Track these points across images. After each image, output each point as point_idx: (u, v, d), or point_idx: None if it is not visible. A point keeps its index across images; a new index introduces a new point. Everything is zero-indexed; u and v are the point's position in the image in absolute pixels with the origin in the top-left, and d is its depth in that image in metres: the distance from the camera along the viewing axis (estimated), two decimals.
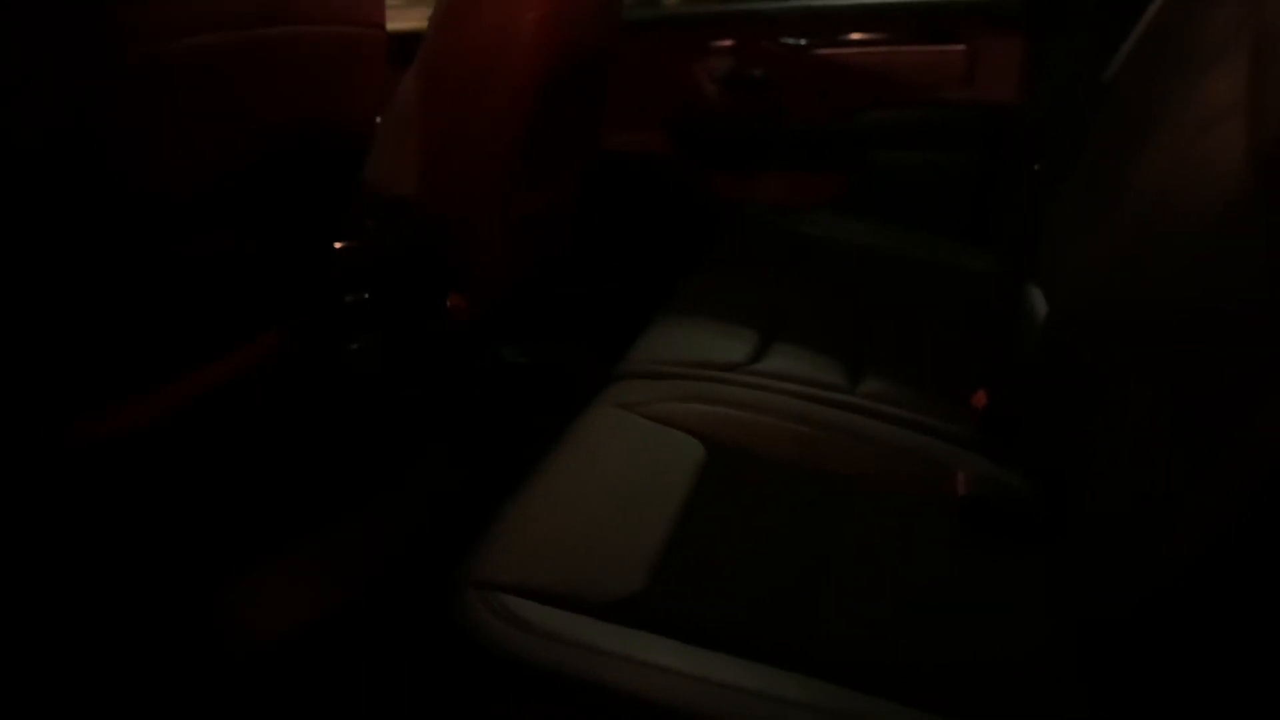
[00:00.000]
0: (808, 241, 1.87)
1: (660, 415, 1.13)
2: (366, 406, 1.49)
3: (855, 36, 2.06)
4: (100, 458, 0.96)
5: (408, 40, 1.64)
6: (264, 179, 0.99)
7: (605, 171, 2.12)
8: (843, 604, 0.91)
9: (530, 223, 1.78)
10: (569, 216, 2.00)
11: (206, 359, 1.07)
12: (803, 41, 2.08)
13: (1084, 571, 0.91)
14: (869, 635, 0.88)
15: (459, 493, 1.43)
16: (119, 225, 0.86)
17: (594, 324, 2.00)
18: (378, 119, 1.57)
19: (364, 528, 1.41)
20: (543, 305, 2.08)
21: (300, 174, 1.06)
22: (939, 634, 0.89)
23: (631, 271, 2.20)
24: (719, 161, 2.22)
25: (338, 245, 1.40)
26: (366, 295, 1.48)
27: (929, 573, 0.97)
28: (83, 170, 0.81)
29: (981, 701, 0.83)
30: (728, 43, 2.11)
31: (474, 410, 1.79)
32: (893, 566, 0.97)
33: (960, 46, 2.00)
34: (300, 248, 1.19)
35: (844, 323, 1.46)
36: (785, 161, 2.18)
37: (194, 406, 1.07)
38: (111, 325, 0.91)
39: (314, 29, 0.99)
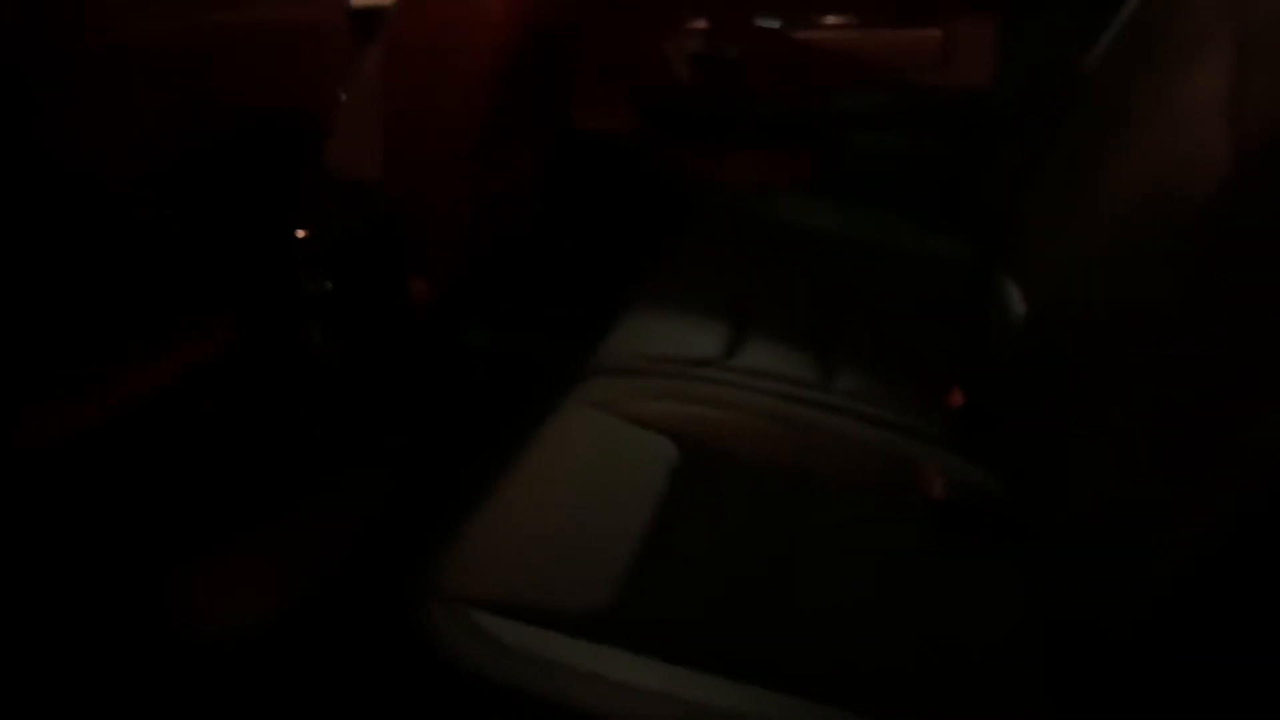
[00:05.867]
0: (778, 226, 1.84)
1: (634, 414, 1.10)
2: (327, 399, 1.45)
3: (829, 20, 2.03)
4: (41, 462, 0.92)
5: (371, 16, 1.58)
6: (217, 164, 0.95)
7: (572, 151, 2.08)
8: (816, 614, 0.90)
9: (494, 202, 1.74)
10: (534, 197, 1.96)
11: (156, 352, 1.03)
12: (776, 24, 2.04)
13: (1059, 581, 0.90)
14: (841, 646, 0.86)
15: (420, 490, 1.40)
16: (58, 211, 0.81)
17: (559, 307, 1.97)
18: (341, 98, 1.52)
19: (321, 525, 1.37)
20: (507, 288, 2.04)
21: (255, 159, 1.02)
22: (911, 644, 0.88)
23: (598, 253, 2.16)
24: (689, 140, 2.18)
25: (299, 234, 1.35)
26: (329, 284, 1.43)
27: (902, 579, 0.96)
28: (23, 156, 0.77)
29: (951, 713, 0.82)
30: (700, 23, 2.07)
31: (438, 400, 1.75)
32: (866, 573, 0.96)
33: (935, 31, 1.97)
34: (256, 234, 1.14)
35: (816, 314, 1.44)
36: (756, 141, 2.14)
37: (144, 404, 1.03)
38: (51, 316, 0.86)
39: (272, 12, 0.94)
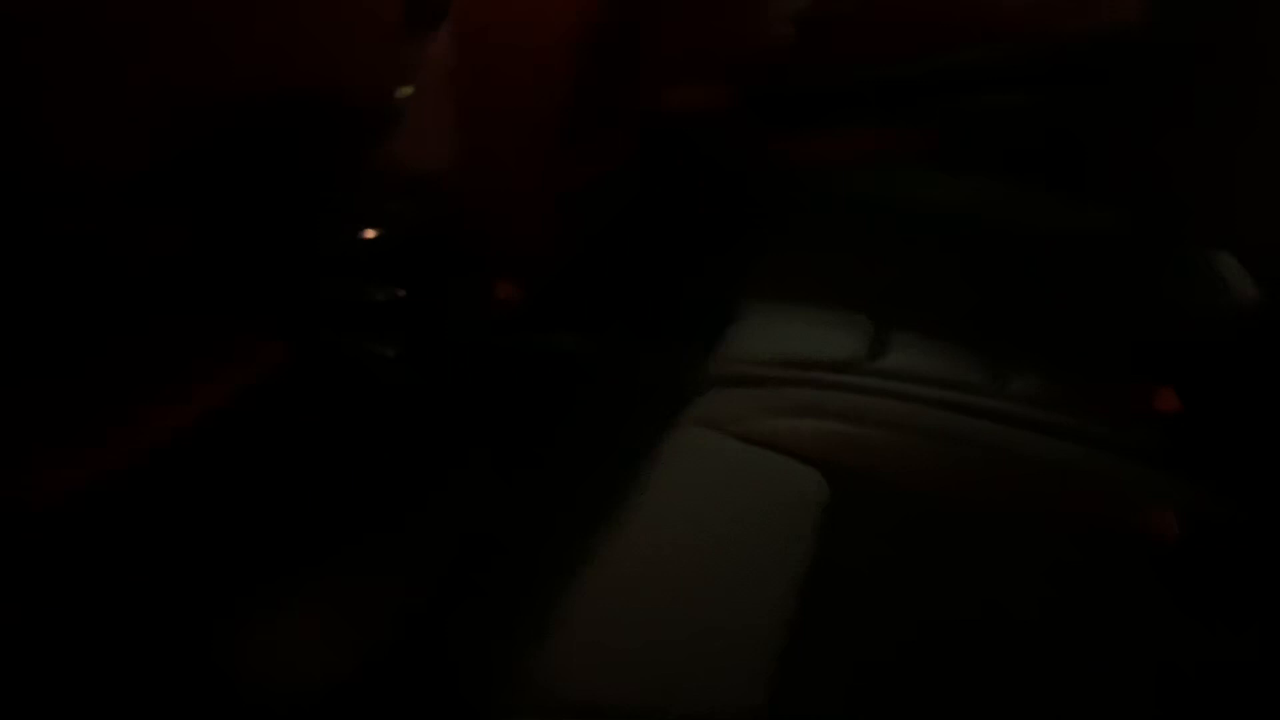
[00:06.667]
0: (902, 207, 1.61)
1: (764, 436, 0.89)
2: (400, 422, 1.28)
3: None
4: (56, 521, 0.76)
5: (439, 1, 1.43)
6: (237, 156, 0.77)
7: (663, 133, 1.89)
8: (1015, 703, 0.68)
9: (580, 194, 1.60)
10: (624, 186, 1.79)
11: (189, 380, 0.86)
12: None
13: None
14: None
15: (506, 536, 1.21)
16: (30, 217, 0.64)
17: (658, 307, 1.79)
18: (404, 92, 1.38)
19: (394, 570, 1.20)
20: (599, 288, 1.87)
21: (288, 150, 0.84)
22: None
23: (696, 247, 1.97)
24: (795, 119, 1.97)
25: (367, 234, 1.20)
26: (401, 291, 1.27)
27: (1125, 653, 0.73)
28: None
29: None
30: None
31: (527, 422, 1.57)
32: (1075, 644, 0.73)
33: None
34: (294, 239, 0.97)
35: (970, 303, 1.20)
36: (870, 117, 1.92)
37: (177, 440, 0.86)
38: (42, 351, 0.70)
39: None
